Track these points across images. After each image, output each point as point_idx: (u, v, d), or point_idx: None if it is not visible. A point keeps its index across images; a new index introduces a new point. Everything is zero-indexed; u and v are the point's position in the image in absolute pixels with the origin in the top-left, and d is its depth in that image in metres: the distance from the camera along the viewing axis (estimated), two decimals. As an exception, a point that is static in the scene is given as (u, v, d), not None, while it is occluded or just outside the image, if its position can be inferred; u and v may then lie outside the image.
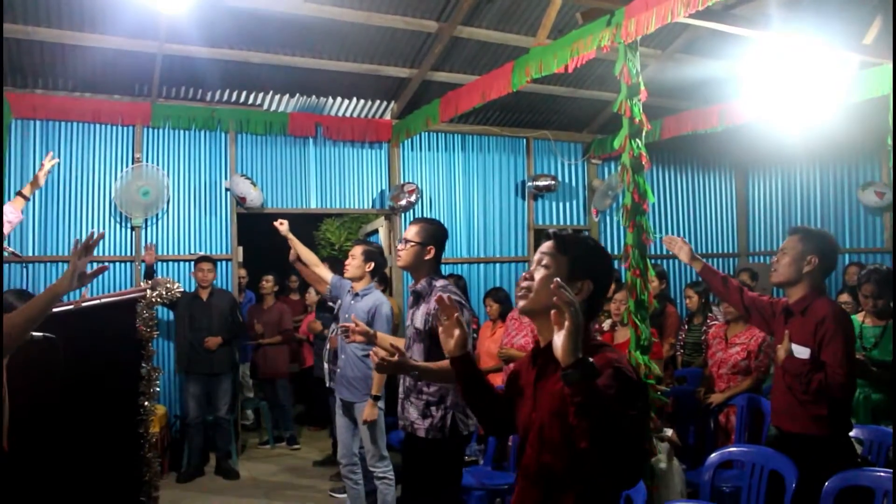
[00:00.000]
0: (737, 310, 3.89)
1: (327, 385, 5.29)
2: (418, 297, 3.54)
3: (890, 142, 4.78)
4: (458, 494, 3.61)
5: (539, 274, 2.05)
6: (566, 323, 1.70)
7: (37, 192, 6.23)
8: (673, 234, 8.98)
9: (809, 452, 3.19)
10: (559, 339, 1.70)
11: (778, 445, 3.38)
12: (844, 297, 5.58)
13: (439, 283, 3.51)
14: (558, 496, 1.93)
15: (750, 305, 3.67)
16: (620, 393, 1.78)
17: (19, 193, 5.22)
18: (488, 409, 2.27)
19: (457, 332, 2.23)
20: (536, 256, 2.11)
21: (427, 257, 3.52)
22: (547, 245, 2.09)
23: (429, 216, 7.66)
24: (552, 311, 1.73)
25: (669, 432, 4.31)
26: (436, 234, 3.57)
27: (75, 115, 6.45)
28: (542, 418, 1.97)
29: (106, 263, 6.07)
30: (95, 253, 6.41)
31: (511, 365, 5.40)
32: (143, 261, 6.50)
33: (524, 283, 2.07)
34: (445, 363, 3.27)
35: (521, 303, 2.08)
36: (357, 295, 4.59)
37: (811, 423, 3.26)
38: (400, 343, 3.85)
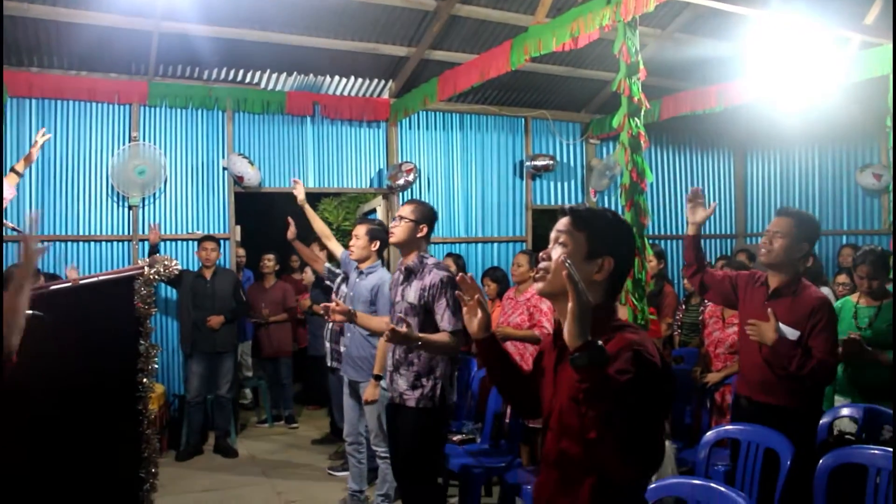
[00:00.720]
0: (692, 286, 3.96)
1: (329, 364, 5.30)
2: (410, 274, 3.69)
3: (889, 123, 4.77)
4: (442, 460, 3.85)
5: (556, 253, 1.93)
6: (570, 304, 1.61)
7: (33, 171, 6.22)
8: (669, 213, 8.99)
9: (781, 422, 3.27)
10: (566, 322, 1.62)
11: (748, 416, 3.48)
12: (842, 279, 5.59)
13: (431, 260, 3.71)
14: (576, 483, 1.85)
15: (709, 283, 3.80)
16: (637, 379, 1.66)
17: (12, 170, 5.21)
18: (516, 390, 2.20)
19: (480, 313, 2.10)
20: (553, 234, 1.98)
21: (419, 235, 3.72)
22: (563, 222, 1.96)
23: (427, 196, 7.68)
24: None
25: None
26: (428, 213, 3.77)
27: (71, 93, 6.41)
28: (562, 403, 1.88)
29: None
30: (93, 232, 6.48)
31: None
32: (145, 240, 6.53)
33: (542, 264, 1.95)
34: (443, 335, 3.47)
35: (539, 284, 1.96)
36: (362, 273, 4.61)
37: (787, 395, 3.37)
38: (380, 321, 3.95)
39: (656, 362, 1.74)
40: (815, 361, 3.25)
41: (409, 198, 6.99)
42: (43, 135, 5.35)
